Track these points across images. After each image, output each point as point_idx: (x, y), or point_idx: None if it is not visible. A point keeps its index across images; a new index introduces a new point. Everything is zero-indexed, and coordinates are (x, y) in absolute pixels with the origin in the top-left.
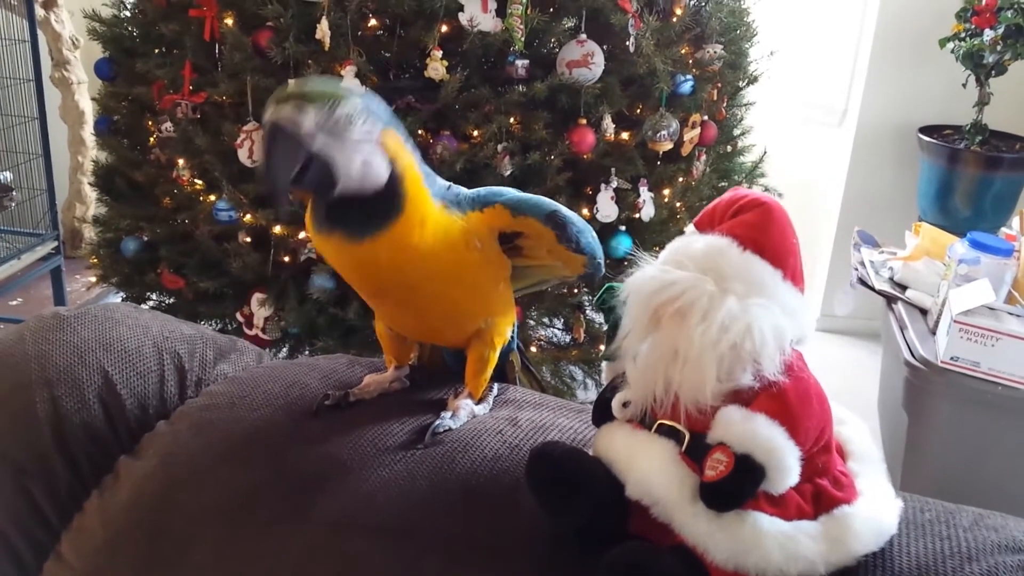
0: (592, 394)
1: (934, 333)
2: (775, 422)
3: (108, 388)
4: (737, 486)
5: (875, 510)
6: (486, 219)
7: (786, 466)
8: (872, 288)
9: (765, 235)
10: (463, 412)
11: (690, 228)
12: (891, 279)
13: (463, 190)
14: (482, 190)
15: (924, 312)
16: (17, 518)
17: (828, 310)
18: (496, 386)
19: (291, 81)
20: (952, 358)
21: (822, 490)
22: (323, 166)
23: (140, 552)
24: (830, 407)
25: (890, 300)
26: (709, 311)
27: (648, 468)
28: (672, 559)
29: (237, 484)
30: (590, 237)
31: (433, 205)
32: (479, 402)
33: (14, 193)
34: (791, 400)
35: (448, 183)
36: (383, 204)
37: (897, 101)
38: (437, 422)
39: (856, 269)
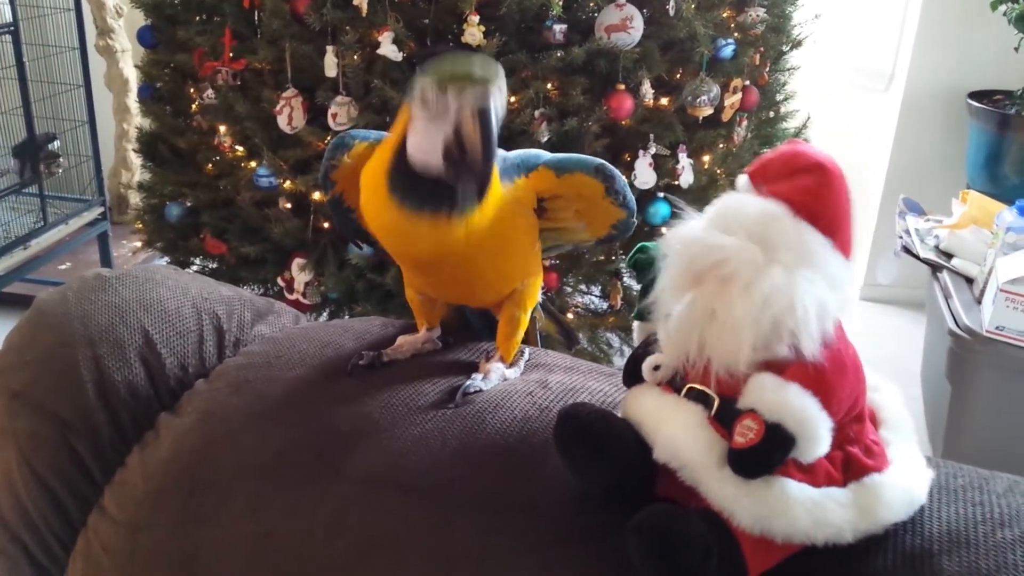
0: None
1: (979, 302)
2: (808, 392)
3: (149, 347)
4: (767, 454)
5: (906, 479)
6: (532, 183)
7: (817, 436)
8: (917, 256)
9: (821, 203)
10: (494, 375)
11: (743, 179)
12: (936, 247)
13: (507, 155)
14: (521, 153)
15: (970, 281)
16: (62, 472)
17: (872, 279)
18: (528, 350)
19: (449, 58)
20: (998, 327)
21: (853, 458)
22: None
23: (180, 505)
24: (864, 375)
25: (935, 269)
26: (754, 281)
27: (676, 432)
28: (698, 523)
29: (273, 441)
30: (631, 193)
31: (498, 181)
32: (510, 366)
33: (61, 160)
34: (826, 371)
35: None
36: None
37: (946, 65)
38: (468, 383)
39: (901, 237)
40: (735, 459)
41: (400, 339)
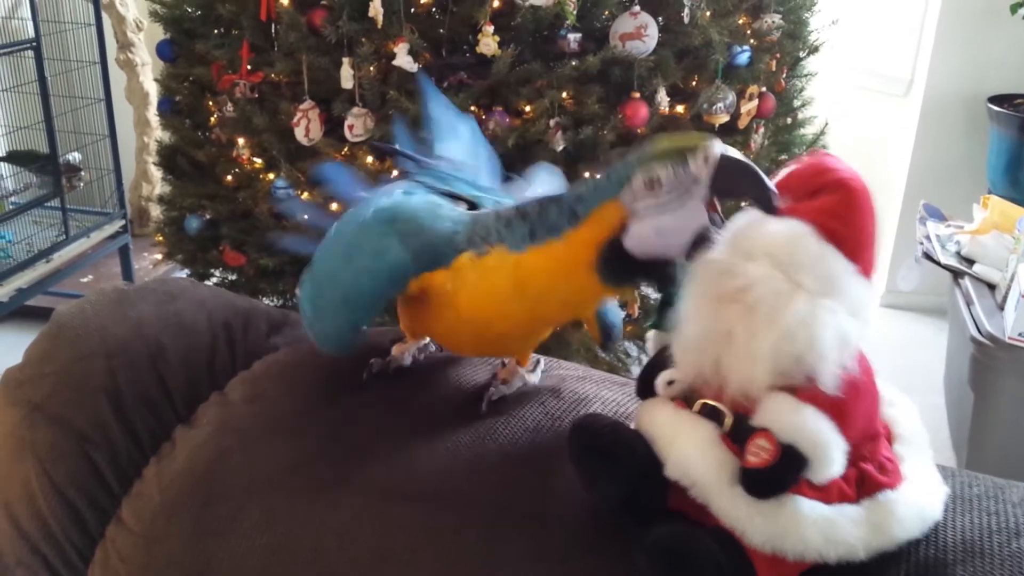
0: None
1: (1002, 309)
2: (824, 414)
3: (164, 360)
4: (780, 476)
5: (919, 496)
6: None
7: (831, 459)
8: (938, 263)
9: (846, 225)
10: (515, 380)
11: None
12: (958, 253)
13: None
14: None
15: (992, 287)
16: (81, 484)
17: (892, 286)
18: (543, 359)
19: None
20: (1020, 334)
21: (866, 475)
22: None
23: (194, 517)
24: (878, 392)
25: (956, 275)
26: (777, 312)
27: (688, 449)
28: (710, 542)
29: (286, 452)
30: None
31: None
32: (529, 371)
33: (83, 173)
34: (843, 394)
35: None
36: None
37: (966, 69)
38: (492, 390)
39: (921, 243)
40: (747, 479)
41: (395, 347)
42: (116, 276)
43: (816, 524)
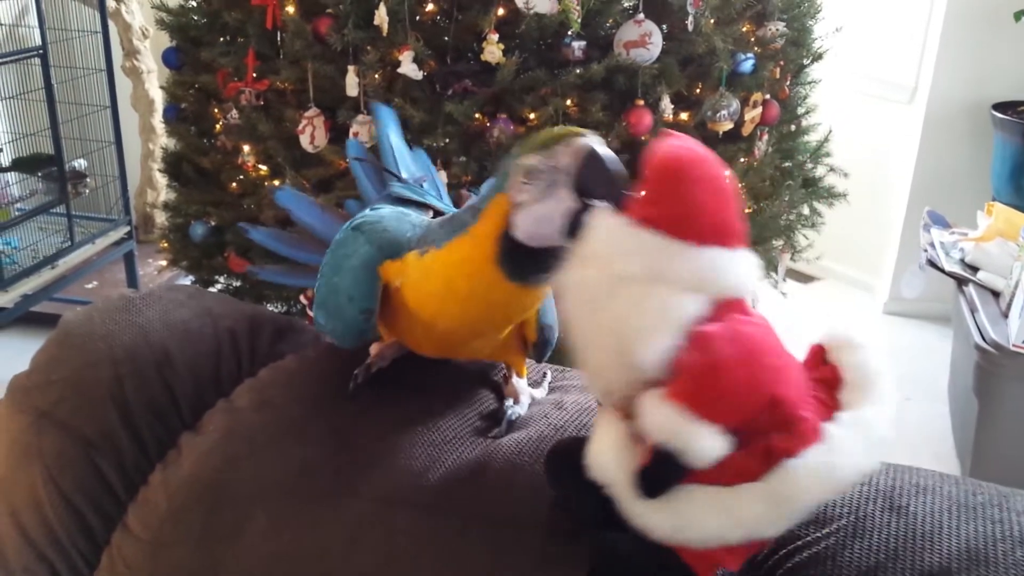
0: None
1: (1006, 316)
2: (684, 406)
3: (171, 367)
4: (659, 474)
5: (829, 455)
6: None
7: (701, 448)
8: (942, 270)
9: (660, 207)
10: (524, 397)
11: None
12: (962, 261)
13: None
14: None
15: (996, 295)
16: (87, 491)
17: (897, 293)
18: (550, 371)
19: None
20: None
21: (772, 446)
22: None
23: (201, 523)
24: (779, 362)
25: (961, 282)
26: (595, 311)
27: (598, 450)
28: (640, 547)
29: (293, 459)
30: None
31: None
32: (536, 385)
33: (88, 180)
34: (701, 380)
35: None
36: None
37: (970, 77)
38: (508, 412)
39: (926, 251)
40: (637, 480)
41: (373, 348)
42: (120, 282)
43: (712, 509)
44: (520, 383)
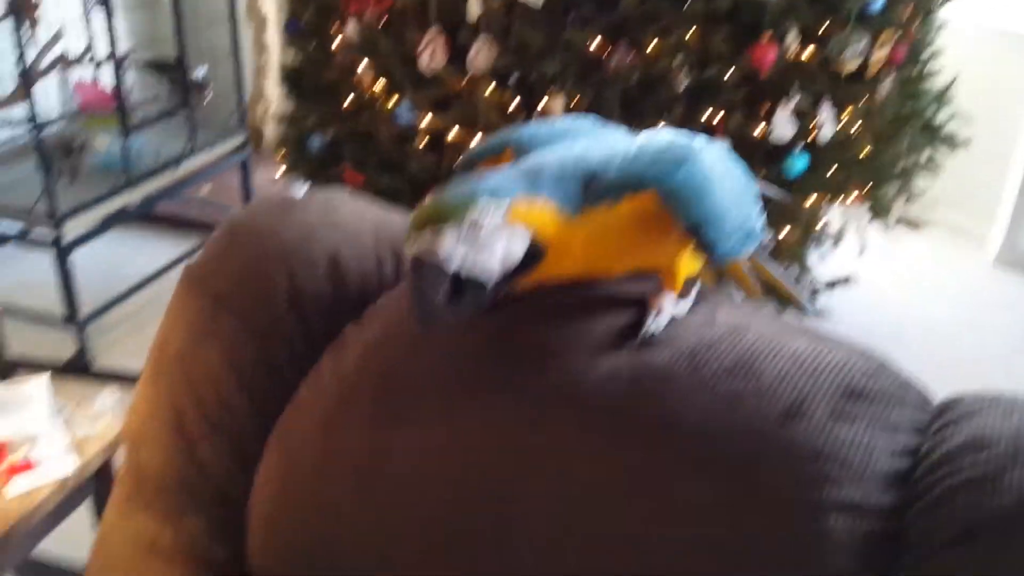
0: None
1: None
2: None
3: (335, 263)
4: None
5: None
6: (638, 206)
7: None
8: None
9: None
10: (666, 312)
11: None
12: None
13: (612, 172)
14: (636, 169)
15: None
16: (259, 372)
17: (1010, 244)
18: (697, 284)
19: (427, 197)
20: None
21: None
22: (471, 280)
23: (370, 408)
24: None
25: None
26: None
27: None
28: None
29: (458, 354)
30: (736, 241)
31: (576, 224)
32: (680, 298)
33: (211, 88)
34: None
35: (594, 169)
36: (522, 267)
37: None
38: (647, 324)
39: None
40: None
41: None
42: (234, 189)
43: None
44: (666, 297)
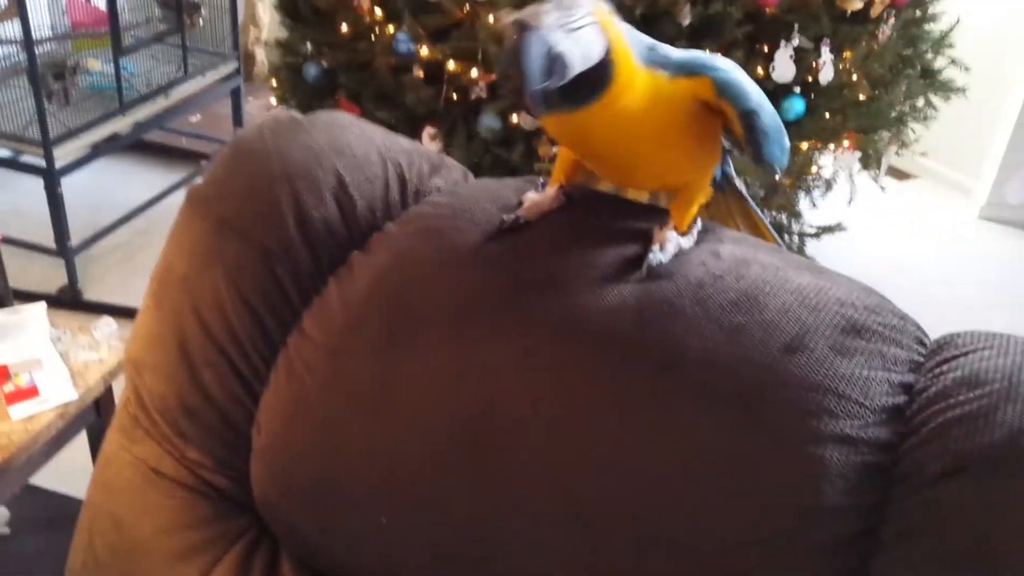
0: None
1: None
2: None
3: (342, 188)
4: None
5: None
6: (692, 87)
7: None
8: None
9: None
10: (670, 245)
11: None
12: None
13: (671, 52)
14: (691, 56)
15: None
16: (265, 295)
17: (996, 198)
18: (699, 220)
19: None
20: None
21: None
22: (561, 60)
23: (377, 334)
24: None
25: None
26: None
27: None
28: None
29: (467, 284)
30: (777, 148)
31: (639, 70)
32: (684, 235)
33: (203, 12)
34: None
35: (653, 42)
36: (597, 76)
37: None
38: (651, 255)
39: None
40: None
41: (527, 199)
42: (225, 118)
43: None
44: (670, 232)
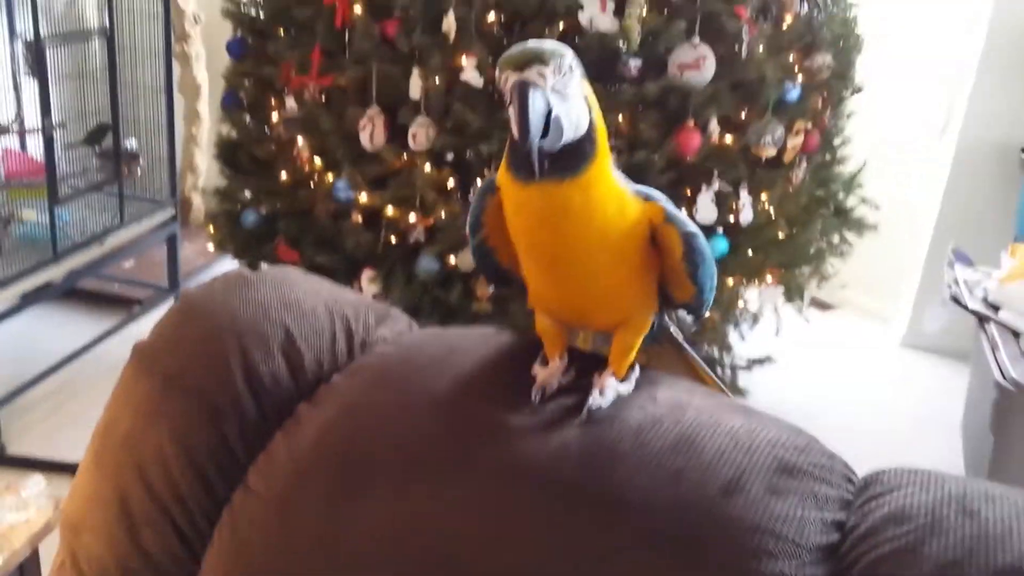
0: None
1: None
2: None
3: (289, 342)
4: None
5: None
6: (646, 209)
7: None
8: (965, 307)
9: None
10: (609, 391)
11: None
12: (984, 299)
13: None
14: (643, 186)
15: (1017, 335)
16: (211, 452)
17: (915, 326)
18: (638, 367)
19: (516, 46)
20: None
21: None
22: (557, 120)
23: (327, 485)
24: None
25: (982, 320)
26: None
27: None
28: None
29: (414, 431)
30: (709, 276)
31: (612, 169)
32: (623, 381)
33: (141, 161)
34: None
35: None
36: (581, 150)
37: (1001, 118)
38: (591, 400)
39: (949, 287)
40: None
41: (539, 373)
42: (160, 263)
43: None
44: (609, 379)
